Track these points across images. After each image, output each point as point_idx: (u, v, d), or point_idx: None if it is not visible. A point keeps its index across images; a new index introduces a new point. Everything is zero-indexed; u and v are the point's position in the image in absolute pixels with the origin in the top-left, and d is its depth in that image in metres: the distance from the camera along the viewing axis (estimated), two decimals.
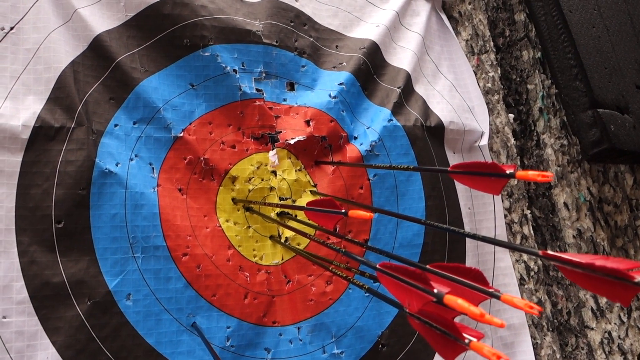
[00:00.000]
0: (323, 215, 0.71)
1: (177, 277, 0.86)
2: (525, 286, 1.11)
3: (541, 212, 1.20)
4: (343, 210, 0.67)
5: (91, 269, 0.82)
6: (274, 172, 0.97)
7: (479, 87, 1.19)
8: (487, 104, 1.19)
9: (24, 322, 0.78)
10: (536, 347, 1.09)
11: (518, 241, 1.14)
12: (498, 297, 0.50)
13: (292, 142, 0.97)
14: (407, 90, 1.09)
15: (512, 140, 1.19)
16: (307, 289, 0.93)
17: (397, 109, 1.06)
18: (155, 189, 0.88)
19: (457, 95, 1.15)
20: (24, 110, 0.84)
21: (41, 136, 0.83)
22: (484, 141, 1.13)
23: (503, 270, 1.11)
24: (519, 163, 1.19)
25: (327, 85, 1.03)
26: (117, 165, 0.86)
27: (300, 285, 0.93)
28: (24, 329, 0.78)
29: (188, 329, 0.85)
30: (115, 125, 0.88)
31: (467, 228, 1.08)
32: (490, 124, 1.18)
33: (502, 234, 1.12)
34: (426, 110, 1.09)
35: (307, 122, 0.99)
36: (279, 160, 0.97)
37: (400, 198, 1.02)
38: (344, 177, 0.99)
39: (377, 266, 0.54)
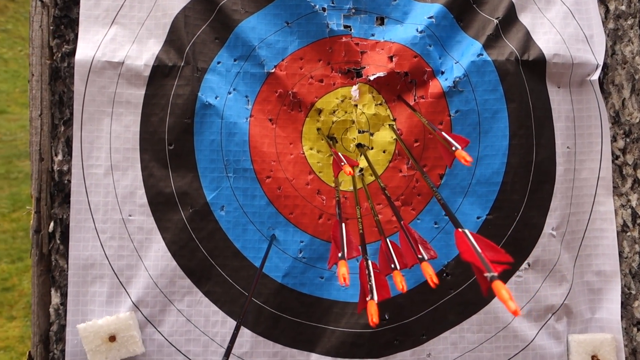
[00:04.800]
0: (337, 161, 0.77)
1: (260, 196, 1.02)
2: (628, 234, 1.04)
3: None
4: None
5: (194, 183, 1.02)
6: (356, 106, 1.04)
7: (609, 10, 1.06)
8: (617, 30, 1.06)
9: (144, 220, 1.02)
10: (629, 298, 1.03)
11: (628, 185, 1.05)
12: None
13: (371, 78, 1.02)
14: (508, 20, 1.03)
15: None
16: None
17: (491, 42, 1.02)
18: (248, 119, 1.03)
19: (572, 23, 1.04)
20: (145, 52, 1.03)
21: (159, 74, 1.02)
22: (597, 75, 1.03)
23: (602, 214, 1.05)
24: None
25: (417, 19, 1.03)
26: (216, 99, 1.02)
27: (369, 212, 1.02)
28: (143, 225, 1.02)
29: (268, 239, 1.02)
30: (218, 63, 1.03)
31: (562, 168, 1.03)
32: (615, 54, 1.06)
33: (607, 177, 1.04)
34: (526, 43, 1.02)
35: (390, 58, 1.02)
36: (360, 95, 1.03)
37: (483, 135, 1.01)
38: (423, 112, 1.01)
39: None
